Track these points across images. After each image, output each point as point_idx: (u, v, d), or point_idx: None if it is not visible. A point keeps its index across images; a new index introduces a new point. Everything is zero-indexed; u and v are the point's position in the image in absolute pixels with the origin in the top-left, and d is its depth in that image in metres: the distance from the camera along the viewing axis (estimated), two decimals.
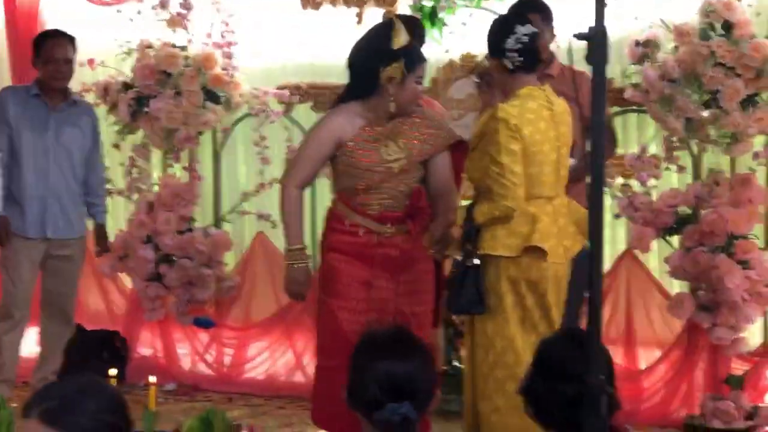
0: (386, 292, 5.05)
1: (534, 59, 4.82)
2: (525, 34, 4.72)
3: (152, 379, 4.35)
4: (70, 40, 6.50)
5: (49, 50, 6.40)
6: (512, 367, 4.70)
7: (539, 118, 4.72)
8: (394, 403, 2.86)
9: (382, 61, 4.93)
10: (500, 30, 4.80)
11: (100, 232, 6.78)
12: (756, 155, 5.97)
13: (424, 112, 5.18)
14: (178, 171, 7.24)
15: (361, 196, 5.03)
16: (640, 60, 6.06)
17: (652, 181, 6.12)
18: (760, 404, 5.96)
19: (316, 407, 5.29)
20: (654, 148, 6.19)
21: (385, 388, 2.90)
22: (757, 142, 6.00)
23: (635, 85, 6.10)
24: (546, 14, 5.59)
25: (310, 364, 6.98)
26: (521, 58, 4.71)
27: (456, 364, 6.39)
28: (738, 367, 6.12)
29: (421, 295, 5.13)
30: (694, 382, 6.13)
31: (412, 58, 4.96)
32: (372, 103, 5.01)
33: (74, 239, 6.56)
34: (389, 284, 5.06)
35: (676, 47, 5.99)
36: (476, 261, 4.68)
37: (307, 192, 7.00)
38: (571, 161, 5.02)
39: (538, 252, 4.70)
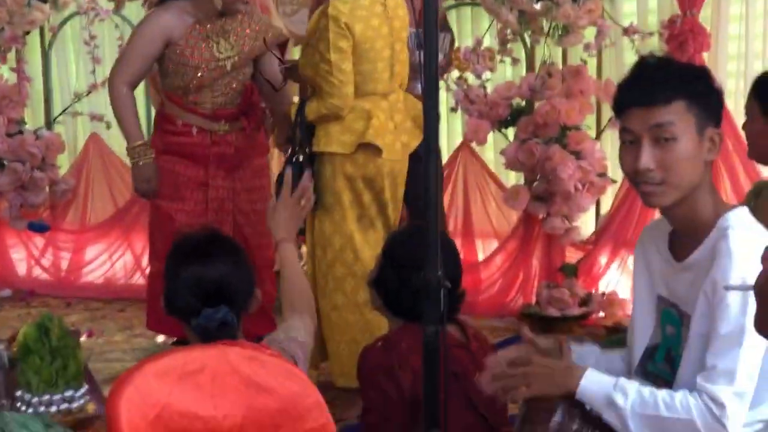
0: (223, 191, 5.03)
1: None
2: None
3: None
4: None
5: None
6: (351, 264, 4.76)
7: (372, 15, 4.66)
8: (210, 309, 2.85)
9: None
10: None
11: None
12: (587, 46, 6.04)
13: (251, 10, 5.10)
14: (5, 72, 7.02)
15: (193, 95, 4.97)
16: None
17: (486, 74, 6.16)
18: (593, 291, 6.12)
19: (149, 313, 5.28)
20: (488, 41, 6.22)
21: (198, 294, 2.89)
22: (588, 33, 6.06)
23: None
24: None
25: (149, 265, 6.94)
26: None
27: None
28: (572, 256, 6.26)
29: (259, 192, 5.13)
30: (531, 271, 6.26)
31: None
32: (199, 0, 4.91)
33: None
34: (225, 182, 5.05)
35: None
36: (301, 158, 4.65)
37: (142, 90, 6.96)
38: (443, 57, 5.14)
39: (374, 148, 4.71)
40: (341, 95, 4.60)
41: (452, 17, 6.43)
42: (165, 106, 5.14)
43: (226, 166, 5.04)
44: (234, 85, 5.00)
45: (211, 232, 3.15)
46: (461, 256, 6.14)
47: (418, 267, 2.74)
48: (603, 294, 6.07)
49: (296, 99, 5.20)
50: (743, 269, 2.59)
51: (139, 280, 6.96)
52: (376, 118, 4.69)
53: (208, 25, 4.93)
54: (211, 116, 4.98)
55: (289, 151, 4.80)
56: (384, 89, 4.76)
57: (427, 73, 2.65)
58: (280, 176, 4.70)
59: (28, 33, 6.84)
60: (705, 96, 2.77)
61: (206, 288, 2.89)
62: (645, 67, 2.86)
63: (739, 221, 2.73)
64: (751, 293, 1.89)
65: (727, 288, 2.51)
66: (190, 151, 5.00)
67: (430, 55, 2.63)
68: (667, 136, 2.69)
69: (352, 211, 4.75)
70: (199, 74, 4.92)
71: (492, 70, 6.18)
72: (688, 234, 2.80)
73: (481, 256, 6.55)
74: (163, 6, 5.04)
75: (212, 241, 3.06)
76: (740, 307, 2.59)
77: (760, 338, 1.96)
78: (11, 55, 6.92)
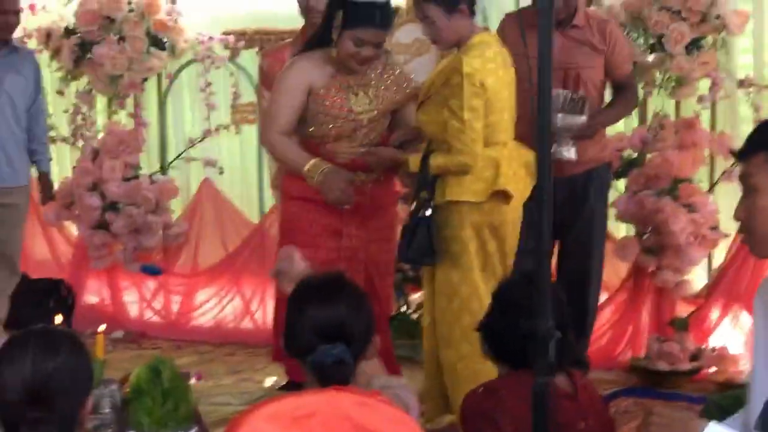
0: (357, 240, 4.99)
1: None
2: None
3: (101, 327, 4.32)
4: None
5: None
6: (478, 314, 4.60)
7: (498, 66, 4.65)
8: (327, 345, 2.87)
9: (335, 7, 4.83)
10: None
11: (45, 180, 6.72)
12: (701, 99, 6.00)
13: (391, 60, 5.09)
14: (123, 118, 7.17)
15: (331, 144, 4.93)
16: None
17: None
18: (703, 346, 6.03)
19: (275, 343, 5.27)
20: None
21: (317, 332, 2.90)
22: (702, 85, 6.02)
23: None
24: None
25: (258, 310, 7.01)
26: (475, 4, 4.68)
27: (403, 309, 6.41)
28: (683, 310, 6.18)
29: (390, 243, 5.07)
30: (640, 324, 6.18)
31: (354, 14, 4.73)
32: (335, 50, 4.85)
33: (19, 187, 6.49)
34: (359, 232, 5.00)
35: None
36: (428, 212, 4.63)
37: (255, 138, 7.06)
38: (582, 118, 5.09)
39: (500, 196, 4.69)
40: (472, 153, 4.58)
41: None
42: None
43: (361, 216, 4.99)
44: (372, 137, 4.95)
45: (336, 275, 3.17)
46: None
47: (526, 313, 2.74)
48: (714, 349, 5.98)
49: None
50: None
51: (248, 324, 7.02)
52: (505, 165, 4.68)
53: (349, 77, 4.89)
54: (349, 166, 4.90)
55: (414, 204, 4.74)
56: (506, 138, 4.76)
57: (539, 121, 2.65)
58: (405, 228, 4.75)
59: (146, 79, 6.99)
60: None
61: (325, 326, 2.89)
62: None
63: None
64: None
65: None
66: (322, 198, 4.89)
67: (543, 100, 2.63)
68: (750, 187, 2.75)
69: (478, 260, 4.71)
70: (338, 125, 4.89)
71: None
72: None
73: None
74: (304, 55, 5.00)
75: (335, 282, 3.07)
76: None
77: None
78: (129, 101, 7.08)
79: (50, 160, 6.78)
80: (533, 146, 4.53)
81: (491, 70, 4.59)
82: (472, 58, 4.54)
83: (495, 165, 4.65)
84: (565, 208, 5.27)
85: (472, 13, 4.67)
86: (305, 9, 5.64)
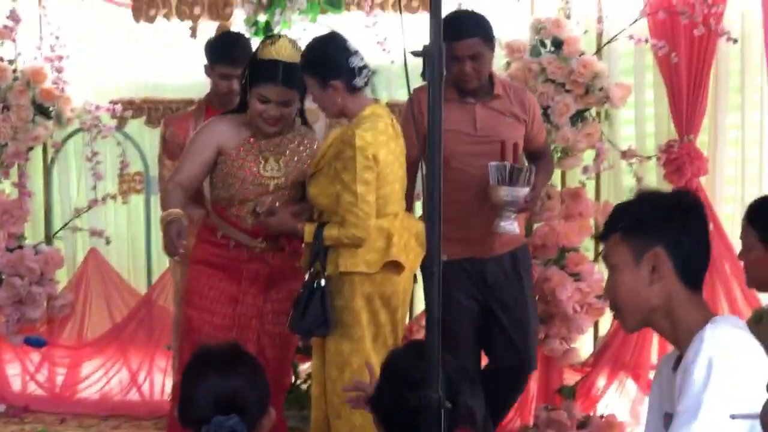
0: (252, 309, 4.96)
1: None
2: (357, 51, 4.69)
3: None
4: None
5: None
6: (368, 385, 4.70)
7: (389, 138, 4.68)
8: (221, 416, 2.85)
9: (246, 68, 4.91)
10: (341, 48, 4.68)
11: None
12: (585, 169, 6.12)
13: (310, 135, 5.09)
14: (7, 187, 7.06)
15: (236, 208, 4.93)
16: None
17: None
18: (591, 414, 6.09)
19: (171, 424, 5.18)
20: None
21: (211, 403, 2.90)
22: (587, 156, 6.14)
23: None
24: (487, 33, 5.17)
25: (145, 382, 6.92)
26: (368, 78, 4.70)
27: (292, 380, 6.37)
28: (570, 378, 6.24)
29: (288, 316, 4.92)
30: (528, 392, 6.22)
31: (257, 72, 4.82)
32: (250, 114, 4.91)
33: None
34: (256, 301, 4.98)
35: (508, 63, 6.11)
36: (322, 282, 4.64)
37: (143, 208, 7.01)
38: (524, 190, 5.01)
39: (392, 267, 4.72)
40: (365, 227, 4.60)
41: None
42: (210, 216, 5.12)
43: (259, 285, 4.98)
44: (277, 204, 4.94)
45: (232, 345, 3.15)
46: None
47: (414, 385, 2.74)
48: (602, 416, 6.04)
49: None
50: (710, 351, 2.66)
51: (134, 396, 6.92)
52: (397, 236, 4.70)
53: (263, 141, 4.91)
54: (250, 232, 4.92)
55: (307, 275, 4.73)
56: (397, 209, 4.79)
57: (430, 194, 2.68)
58: (298, 299, 4.71)
59: (31, 148, 6.90)
60: (642, 223, 2.91)
61: (220, 397, 2.88)
62: None
63: (723, 320, 2.84)
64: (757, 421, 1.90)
65: (734, 417, 2.51)
66: (225, 264, 4.95)
67: (433, 173, 2.66)
68: (610, 266, 2.96)
69: (368, 330, 4.71)
70: (244, 187, 4.88)
71: None
72: (679, 347, 2.88)
73: None
74: (224, 116, 5.05)
75: (232, 354, 3.06)
76: (701, 384, 2.62)
77: (719, 415, 2.00)
78: (13, 171, 6.98)
79: None
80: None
81: (383, 143, 4.62)
82: (364, 131, 4.57)
83: (387, 236, 4.68)
84: (498, 291, 5.30)
85: (352, 88, 4.65)
86: (220, 89, 5.64)
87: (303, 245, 4.88)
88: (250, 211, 4.90)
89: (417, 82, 2.96)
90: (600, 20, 6.16)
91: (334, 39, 4.76)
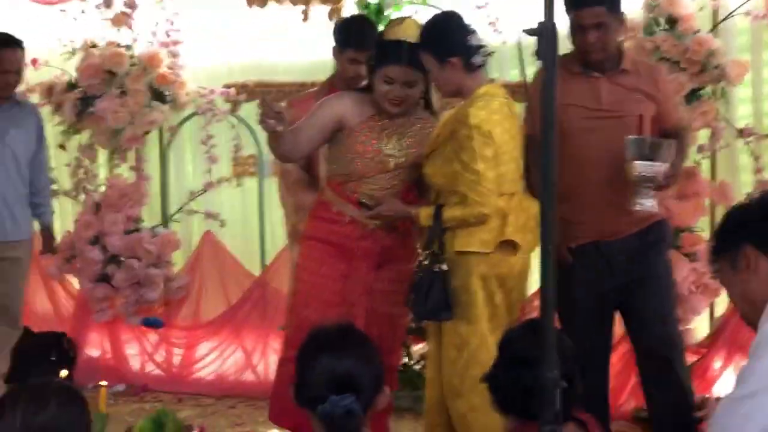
0: (362, 286, 4.92)
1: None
2: (475, 30, 4.66)
3: (103, 382, 4.33)
4: (22, 47, 6.42)
5: (1, 59, 6.29)
6: (486, 365, 4.48)
7: (504, 117, 4.62)
8: (337, 396, 2.87)
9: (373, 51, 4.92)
10: (459, 26, 4.65)
11: (47, 233, 6.71)
12: (701, 148, 6.04)
13: (432, 120, 5.01)
14: (124, 171, 7.20)
15: (353, 183, 4.90)
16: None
17: None
18: (707, 395, 6.01)
19: (273, 403, 5.21)
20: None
21: (327, 383, 2.91)
22: (702, 135, 6.05)
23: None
24: (613, 3, 4.88)
25: (260, 363, 7.00)
26: (485, 56, 4.65)
27: (405, 360, 6.40)
28: (686, 359, 6.16)
29: (397, 296, 4.93)
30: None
31: (382, 53, 4.81)
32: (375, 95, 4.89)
33: (22, 241, 6.49)
34: (367, 278, 4.94)
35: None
36: (444, 266, 4.59)
37: (256, 191, 7.09)
38: (663, 166, 4.72)
39: (508, 246, 4.66)
40: (490, 204, 4.54)
41: None
42: (323, 192, 5.06)
43: (370, 263, 4.95)
44: (395, 183, 4.89)
45: (346, 325, 3.17)
46: None
47: (530, 365, 2.74)
48: (718, 398, 5.94)
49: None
50: None
51: (249, 377, 7.02)
52: (513, 215, 4.65)
53: (387, 120, 4.89)
54: (366, 208, 4.88)
55: (426, 258, 4.68)
56: (514, 189, 4.72)
57: (544, 173, 2.67)
58: (418, 283, 4.66)
59: (147, 133, 7.02)
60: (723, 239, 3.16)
61: (336, 377, 2.90)
62: None
63: None
64: None
65: None
66: (338, 241, 4.91)
67: (548, 154, 2.64)
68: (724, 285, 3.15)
69: (485, 310, 4.64)
70: (364, 163, 4.86)
71: None
72: None
73: None
74: (348, 91, 5.07)
75: (346, 334, 3.08)
76: None
77: None
78: (131, 154, 7.10)
79: (52, 213, 6.79)
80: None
81: (497, 121, 4.57)
82: (478, 109, 4.53)
83: (503, 215, 4.62)
84: (626, 272, 5.02)
85: (468, 66, 4.61)
86: (347, 73, 5.60)
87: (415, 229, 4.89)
88: (359, 201, 4.86)
89: (530, 62, 2.94)
90: None
91: (452, 17, 4.72)
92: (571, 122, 4.76)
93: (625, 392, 6.22)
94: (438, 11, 5.27)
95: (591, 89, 4.93)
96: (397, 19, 5.06)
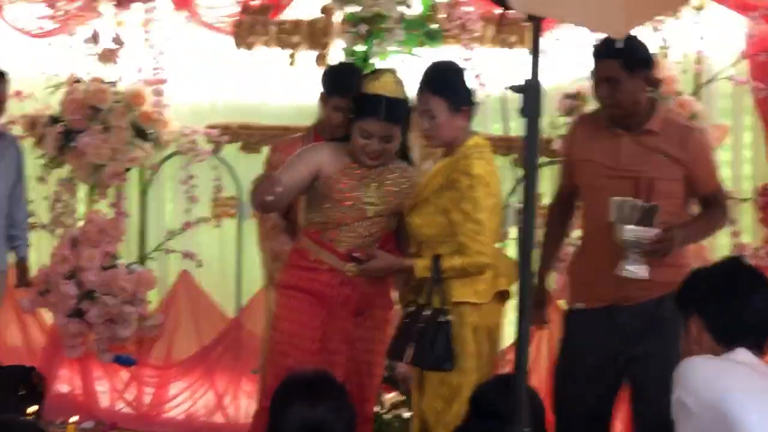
0: (342, 333, 4.87)
1: None
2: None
3: (73, 418, 4.31)
4: (6, 78, 6.44)
5: None
6: None
7: (495, 169, 4.70)
8: None
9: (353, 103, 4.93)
10: (465, 78, 4.73)
11: (23, 265, 6.71)
12: None
13: (411, 171, 5.03)
14: (104, 207, 7.19)
15: (332, 232, 4.87)
16: (569, 112, 6.13)
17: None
18: None
19: None
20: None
21: (299, 431, 2.90)
22: None
23: (563, 137, 6.17)
24: (630, 58, 4.63)
25: (231, 405, 6.97)
26: (474, 110, 4.73)
27: (377, 409, 6.38)
28: None
29: (376, 345, 4.95)
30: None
31: (360, 106, 4.82)
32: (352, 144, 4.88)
33: None
34: (346, 326, 4.91)
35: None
36: (450, 317, 4.53)
37: (235, 232, 7.09)
38: (653, 231, 4.47)
39: (498, 298, 4.68)
40: (490, 254, 4.56)
41: (545, 174, 6.42)
42: (301, 241, 5.03)
43: (349, 310, 4.91)
44: (374, 230, 4.87)
45: (320, 373, 3.16)
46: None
47: (502, 418, 2.74)
48: None
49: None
50: None
51: (219, 419, 6.98)
52: (502, 266, 4.65)
53: (365, 169, 4.87)
54: (344, 256, 4.82)
55: (425, 309, 4.58)
56: (497, 240, 4.77)
57: (525, 228, 2.68)
58: (421, 333, 4.55)
59: (128, 170, 7.02)
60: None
61: (308, 425, 2.90)
62: None
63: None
64: None
65: None
66: (317, 288, 4.87)
67: (529, 210, 2.66)
68: None
69: (475, 362, 4.61)
70: (342, 211, 4.84)
71: None
72: None
73: None
74: (326, 142, 5.09)
75: (320, 381, 3.07)
76: None
77: None
78: (111, 191, 7.10)
79: (28, 246, 6.77)
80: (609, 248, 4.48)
81: (493, 173, 4.63)
82: (477, 159, 4.56)
83: (494, 266, 4.62)
84: (636, 341, 4.66)
85: (471, 117, 4.72)
86: (332, 120, 5.58)
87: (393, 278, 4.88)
88: (349, 255, 4.79)
89: (513, 117, 2.95)
90: (699, 60, 6.12)
91: (460, 67, 4.82)
92: (587, 179, 4.73)
93: None
94: (423, 63, 5.28)
95: (612, 147, 4.73)
96: (375, 72, 5.07)
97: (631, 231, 4.48)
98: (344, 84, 5.38)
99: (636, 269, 4.55)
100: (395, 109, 4.75)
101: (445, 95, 4.62)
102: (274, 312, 5.11)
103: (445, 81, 4.68)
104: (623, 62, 4.56)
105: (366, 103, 4.79)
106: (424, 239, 4.70)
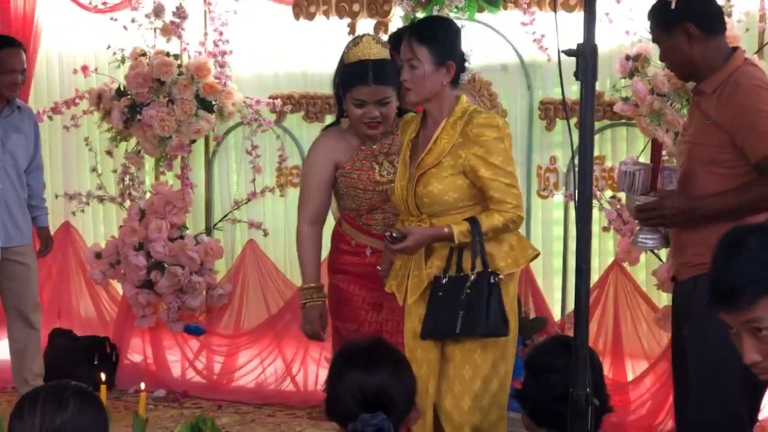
0: (398, 313, 4.69)
1: None
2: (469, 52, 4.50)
3: (142, 385, 4.37)
4: (24, 49, 6.55)
5: (6, 60, 6.40)
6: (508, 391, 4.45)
7: None
8: (367, 414, 2.89)
9: (337, 76, 4.82)
10: (461, 38, 4.42)
11: (44, 233, 6.85)
12: None
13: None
14: (170, 179, 7.27)
15: (365, 216, 4.85)
16: (630, 74, 6.10)
17: None
18: None
19: None
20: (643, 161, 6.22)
21: (357, 400, 2.92)
22: None
23: (625, 99, 6.14)
24: (661, 18, 4.35)
25: (299, 372, 7.03)
26: (462, 73, 4.46)
27: None
28: None
29: (400, 325, 4.74)
30: None
31: (347, 76, 4.72)
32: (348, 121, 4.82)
33: (25, 245, 6.59)
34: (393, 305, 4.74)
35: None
36: (500, 277, 4.30)
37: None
38: (648, 199, 4.26)
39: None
40: (522, 207, 4.35)
41: (606, 137, 6.45)
42: (341, 225, 4.99)
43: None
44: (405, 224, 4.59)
45: (377, 341, 3.17)
46: (610, 375, 6.20)
47: (560, 372, 2.75)
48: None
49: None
50: None
51: (289, 386, 7.05)
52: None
53: (374, 146, 4.81)
54: (383, 237, 4.56)
55: (473, 275, 4.29)
56: None
57: (581, 194, 2.69)
58: (471, 300, 4.27)
59: (193, 141, 7.09)
60: None
61: (366, 394, 2.91)
62: None
63: None
64: None
65: None
66: (364, 272, 4.83)
67: (584, 174, 2.67)
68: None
69: (513, 333, 4.41)
70: (367, 197, 4.80)
71: None
72: None
73: (630, 377, 6.47)
74: (329, 130, 4.97)
75: (376, 349, 3.08)
76: None
77: None
78: (177, 162, 7.17)
79: (47, 214, 6.90)
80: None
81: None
82: (489, 112, 4.39)
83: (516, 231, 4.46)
84: (682, 321, 4.39)
85: (456, 79, 4.38)
86: None
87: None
88: (386, 235, 4.42)
89: (571, 80, 2.93)
90: (762, 18, 6.05)
91: (456, 25, 4.50)
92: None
93: (664, 411, 6.21)
94: (486, 27, 5.29)
95: (689, 112, 4.55)
96: (354, 38, 4.92)
97: (629, 199, 4.35)
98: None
99: (645, 239, 4.38)
100: (382, 71, 4.64)
101: (430, 44, 4.32)
102: (330, 298, 5.02)
103: (433, 31, 4.39)
104: (658, 23, 4.36)
105: (351, 71, 4.69)
106: (444, 207, 4.37)
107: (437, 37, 4.34)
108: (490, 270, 4.29)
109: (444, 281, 4.33)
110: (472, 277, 4.28)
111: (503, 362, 4.40)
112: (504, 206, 4.27)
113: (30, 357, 6.62)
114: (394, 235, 4.33)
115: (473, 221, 4.28)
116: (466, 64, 4.44)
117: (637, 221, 4.41)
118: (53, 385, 2.82)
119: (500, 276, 4.30)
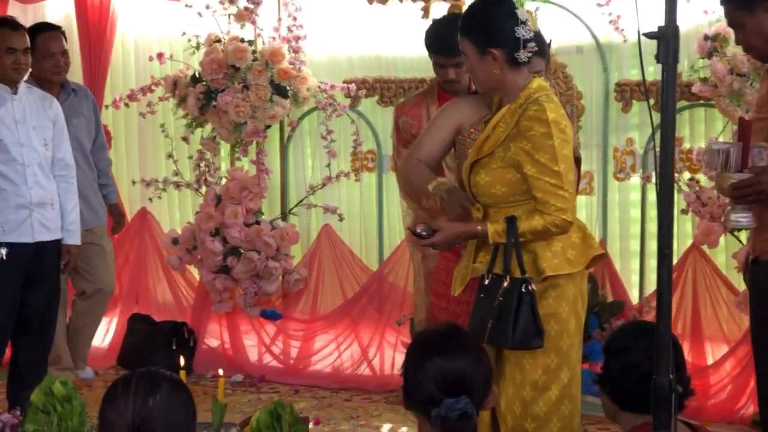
0: None
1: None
2: (527, 21, 4.05)
3: (221, 371, 4.40)
4: (62, 31, 6.60)
5: (45, 44, 6.44)
6: (577, 400, 4.18)
7: (565, 113, 4.14)
8: (451, 399, 2.88)
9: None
10: (508, 15, 4.02)
11: (115, 211, 6.97)
12: None
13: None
14: (245, 164, 7.30)
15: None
16: (708, 54, 6.02)
17: None
18: None
19: None
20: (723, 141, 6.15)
21: (440, 385, 2.91)
22: None
23: (703, 80, 6.07)
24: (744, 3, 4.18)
25: (375, 357, 7.04)
26: (532, 52, 4.05)
27: None
28: None
29: None
30: None
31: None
32: None
33: (100, 227, 6.72)
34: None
35: None
36: (533, 287, 3.97)
37: (375, 186, 7.13)
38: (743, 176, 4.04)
39: (593, 261, 4.23)
40: (572, 209, 4.01)
41: (684, 118, 6.38)
42: None
43: None
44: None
45: (452, 326, 3.17)
46: (689, 359, 6.14)
47: (639, 356, 2.72)
48: None
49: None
50: None
51: (365, 371, 7.06)
52: (587, 227, 4.28)
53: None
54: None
55: (507, 279, 4.01)
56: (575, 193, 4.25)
57: (663, 180, 2.66)
58: (500, 308, 4.00)
59: (268, 127, 7.11)
60: None
61: (449, 379, 2.91)
62: None
63: None
64: None
65: None
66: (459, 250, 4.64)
67: (666, 160, 2.63)
68: None
69: (576, 338, 4.15)
70: None
71: None
72: None
73: (710, 360, 6.40)
74: (466, 95, 4.89)
75: (454, 335, 3.08)
76: None
77: None
78: (252, 148, 7.20)
79: (116, 191, 7.02)
80: None
81: (566, 116, 4.09)
82: (548, 103, 4.01)
83: (580, 227, 4.18)
84: (764, 299, 4.27)
85: (513, 61, 4.03)
86: (439, 76, 5.36)
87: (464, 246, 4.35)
88: (413, 231, 4.23)
89: (649, 61, 2.89)
90: None
91: (502, 3, 4.10)
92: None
93: (744, 396, 6.14)
94: (559, 9, 5.23)
95: (763, 87, 4.40)
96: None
97: (721, 177, 4.12)
98: (438, 42, 5.15)
99: (738, 218, 4.16)
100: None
101: (470, 36, 4.09)
102: (434, 274, 5.02)
103: (473, 20, 4.13)
104: (738, 4, 4.18)
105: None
106: (494, 200, 4.12)
107: (477, 25, 4.09)
108: (527, 275, 4.00)
109: (486, 282, 4.09)
110: (505, 284, 4.00)
111: (565, 368, 4.12)
112: (547, 208, 3.96)
113: (81, 342, 6.77)
114: (421, 231, 4.15)
115: (511, 221, 4.02)
116: (530, 44, 4.04)
117: (729, 200, 4.24)
118: (147, 370, 2.90)
119: (532, 286, 3.97)
